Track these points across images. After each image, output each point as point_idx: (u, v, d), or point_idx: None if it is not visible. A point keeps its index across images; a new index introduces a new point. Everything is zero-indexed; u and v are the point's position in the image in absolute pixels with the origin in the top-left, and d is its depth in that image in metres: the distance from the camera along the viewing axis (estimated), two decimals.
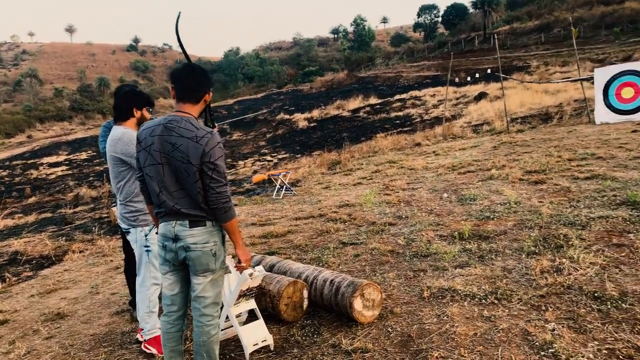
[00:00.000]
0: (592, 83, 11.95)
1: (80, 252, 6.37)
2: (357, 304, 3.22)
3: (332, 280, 3.45)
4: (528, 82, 24.67)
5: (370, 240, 5.13)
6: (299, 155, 22.70)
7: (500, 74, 13.67)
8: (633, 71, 10.65)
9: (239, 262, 2.60)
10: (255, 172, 19.05)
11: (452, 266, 4.07)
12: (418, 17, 78.31)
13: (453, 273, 3.92)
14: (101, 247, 6.53)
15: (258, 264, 4.10)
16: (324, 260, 4.65)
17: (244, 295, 3.10)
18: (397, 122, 28.16)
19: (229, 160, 26.13)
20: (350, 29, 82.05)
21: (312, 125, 33.64)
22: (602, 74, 11.14)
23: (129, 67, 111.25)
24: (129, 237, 3.38)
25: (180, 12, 3.65)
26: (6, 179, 28.53)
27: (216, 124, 3.53)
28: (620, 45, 37.20)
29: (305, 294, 3.53)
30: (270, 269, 3.96)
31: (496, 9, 55.61)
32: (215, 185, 2.37)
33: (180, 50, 3.31)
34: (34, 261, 6.30)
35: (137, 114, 3.30)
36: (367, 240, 5.15)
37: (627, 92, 10.56)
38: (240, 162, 24.99)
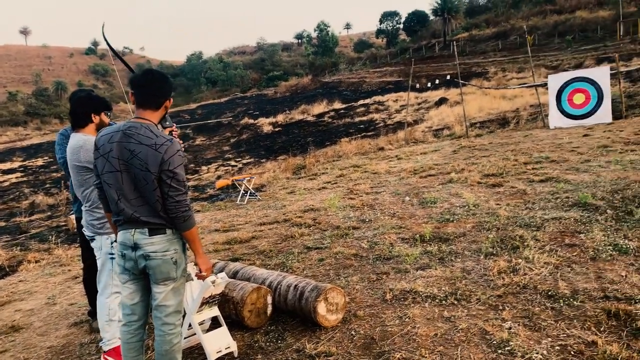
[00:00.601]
0: (547, 89, 12.41)
1: (37, 262, 6.17)
2: (321, 308, 3.25)
3: (296, 286, 3.47)
4: (486, 88, 25.37)
5: (334, 244, 5.17)
6: (263, 160, 22.62)
7: (459, 80, 14.02)
8: (584, 78, 11.13)
9: (200, 271, 2.58)
10: (219, 177, 18.87)
11: (414, 268, 4.15)
12: (380, 24, 79.32)
13: (414, 275, 4.00)
14: (58, 257, 6.34)
15: (221, 271, 4.08)
16: (288, 265, 4.66)
17: (206, 302, 3.08)
18: (362, 126, 28.44)
19: (192, 165, 25.75)
20: (314, 34, 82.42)
21: (276, 129, 33.57)
22: (555, 81, 11.60)
23: (88, 70, 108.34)
24: (93, 245, 3.30)
25: (104, 23, 3.60)
26: None
27: (174, 125, 3.48)
28: (572, 53, 38.74)
29: (269, 299, 3.53)
30: (234, 275, 3.94)
31: (455, 16, 57.01)
32: (174, 194, 2.36)
33: (117, 58, 3.27)
34: None
35: (96, 119, 3.23)
36: (331, 244, 5.19)
37: (579, 98, 11.02)
38: (204, 167, 24.68)
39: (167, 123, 3.64)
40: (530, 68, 34.43)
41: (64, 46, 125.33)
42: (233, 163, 24.67)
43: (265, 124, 35.87)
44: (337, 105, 37.61)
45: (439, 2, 56.23)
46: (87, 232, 3.26)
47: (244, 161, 24.54)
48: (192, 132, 38.74)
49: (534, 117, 15.42)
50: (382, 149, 14.15)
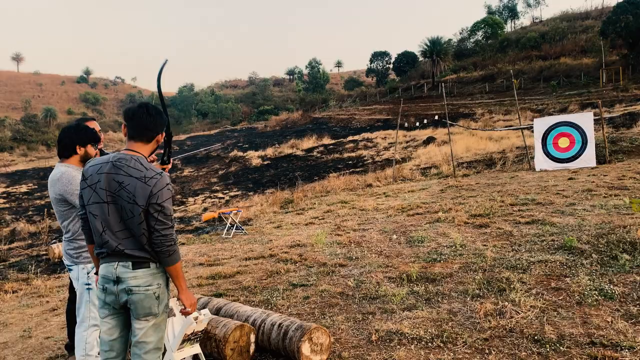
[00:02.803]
0: (532, 132, 12.66)
1: (14, 292, 5.99)
2: (305, 348, 3.18)
3: (280, 324, 3.40)
4: (473, 129, 25.81)
5: (320, 281, 5.11)
6: (251, 193, 22.55)
7: (447, 120, 14.27)
8: (569, 123, 11.39)
9: (184, 307, 2.52)
10: (205, 209, 18.74)
11: (400, 309, 4.10)
12: (371, 63, 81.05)
13: (401, 316, 3.95)
14: (37, 287, 6.17)
15: (204, 307, 4.00)
16: (272, 302, 4.58)
17: (188, 339, 3.00)
18: (350, 162, 28.62)
19: (179, 196, 25.61)
20: (305, 71, 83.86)
21: (265, 163, 33.65)
22: (541, 124, 11.85)
23: (79, 98, 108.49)
24: (71, 275, 3.24)
25: (167, 60, 3.53)
26: None
27: (171, 160, 3.49)
28: (557, 97, 39.71)
29: (253, 338, 3.45)
30: (217, 311, 3.86)
31: (444, 58, 58.45)
32: (161, 228, 2.33)
33: (158, 96, 3.23)
34: None
35: (80, 150, 3.20)
36: (317, 281, 5.12)
37: (564, 142, 11.25)
38: (191, 199, 24.54)
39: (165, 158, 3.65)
40: (516, 111, 35.07)
41: (56, 74, 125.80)
42: (220, 195, 24.56)
43: (254, 157, 35.96)
44: (327, 140, 37.93)
45: (428, 44, 57.71)
46: (65, 262, 3.21)
47: (232, 194, 24.45)
48: (181, 163, 38.69)
49: (520, 158, 15.65)
50: (370, 185, 14.21)
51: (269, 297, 4.76)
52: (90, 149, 3.28)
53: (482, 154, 20.43)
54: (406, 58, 71.87)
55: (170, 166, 3.45)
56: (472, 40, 68.37)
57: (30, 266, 7.61)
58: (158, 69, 3.04)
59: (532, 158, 12.39)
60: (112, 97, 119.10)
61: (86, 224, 2.47)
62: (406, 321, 3.81)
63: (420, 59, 65.64)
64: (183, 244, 8.40)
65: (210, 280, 5.63)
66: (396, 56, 74.48)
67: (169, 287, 2.54)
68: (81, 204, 2.46)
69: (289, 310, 4.35)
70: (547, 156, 11.52)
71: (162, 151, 3.70)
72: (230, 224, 8.70)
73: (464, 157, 20.50)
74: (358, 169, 24.25)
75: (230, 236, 8.46)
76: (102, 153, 3.91)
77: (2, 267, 8.48)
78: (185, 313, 2.57)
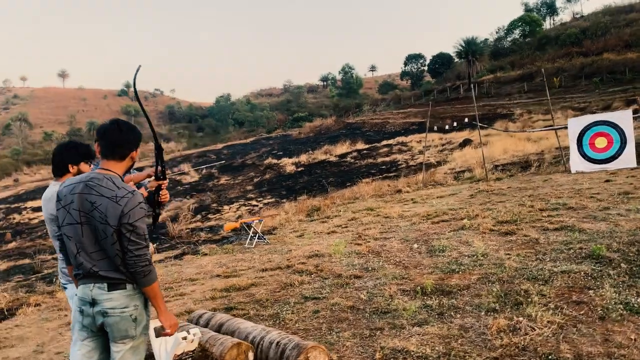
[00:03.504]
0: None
1: (36, 305, 6.12)
2: None
3: (278, 342, 3.29)
4: (504, 131, 25.12)
5: (333, 294, 4.97)
6: (284, 200, 22.59)
7: (477, 122, 13.86)
8: (605, 121, 10.84)
9: (163, 328, 2.45)
10: (239, 217, 18.85)
11: (410, 324, 3.92)
12: (405, 66, 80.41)
13: (410, 332, 3.77)
14: (59, 300, 6.28)
15: (208, 323, 3.94)
16: (282, 317, 4.48)
17: (179, 359, 2.93)
18: (383, 167, 28.31)
19: (215, 205, 25.95)
20: (339, 76, 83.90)
21: (299, 169, 33.70)
22: (576, 124, 11.33)
23: (120, 111, 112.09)
24: (66, 293, 3.23)
25: (140, 66, 3.60)
26: None
27: (167, 177, 3.45)
28: (600, 95, 38.21)
29: (251, 356, 3.35)
30: (219, 327, 3.79)
31: (480, 58, 57.22)
32: (134, 248, 2.27)
33: (137, 102, 3.27)
34: None
35: (73, 169, 3.19)
36: (329, 294, 4.99)
37: (601, 142, 10.71)
38: (226, 207, 24.81)
39: (147, 181, 3.61)
40: (553, 110, 34.02)
41: (99, 88, 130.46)
42: (254, 203, 24.73)
43: (288, 164, 36.08)
44: (360, 145, 37.69)
45: (463, 45, 56.67)
46: (61, 280, 3.20)
47: (265, 201, 24.57)
48: (218, 171, 39.24)
49: (558, 159, 15.05)
50: (399, 191, 13.95)
51: (278, 310, 4.66)
52: (84, 167, 3.26)
53: (519, 156, 19.80)
54: (441, 59, 70.92)
55: (166, 182, 3.41)
56: (509, 39, 66.78)
57: (56, 278, 7.79)
58: (134, 74, 3.04)
59: (568, 160, 11.86)
60: (152, 108, 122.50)
61: (63, 245, 2.44)
62: (414, 338, 3.63)
63: (456, 60, 64.55)
64: (206, 254, 8.43)
65: (224, 292, 5.58)
66: (431, 58, 73.61)
67: (149, 308, 2.47)
68: (57, 224, 2.43)
69: (297, 325, 4.24)
70: (584, 157, 10.99)
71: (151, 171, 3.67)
72: (253, 233, 8.67)
73: (500, 160, 19.94)
74: (391, 174, 23.95)
75: (253, 246, 8.42)
76: None
77: (34, 279, 8.73)
78: (165, 334, 2.50)
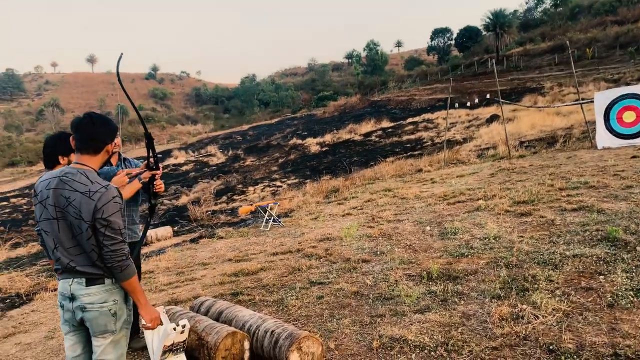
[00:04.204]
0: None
1: (54, 290, 6.28)
2: (294, 357, 3.03)
3: (272, 331, 3.27)
4: (527, 107, 24.36)
5: (339, 279, 4.93)
6: (307, 181, 22.59)
7: (499, 98, 13.45)
8: (634, 94, 10.34)
9: (144, 322, 2.44)
10: (262, 198, 18.93)
11: (412, 311, 3.85)
12: (431, 41, 78.59)
13: (411, 319, 3.70)
14: None
15: (208, 310, 3.95)
16: (286, 302, 4.47)
17: (169, 350, 2.94)
18: (408, 145, 27.92)
19: (240, 185, 26.12)
20: (364, 53, 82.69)
21: (323, 149, 33.57)
22: (602, 98, 10.86)
23: (148, 94, 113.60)
24: None
25: (122, 54, 3.59)
26: (24, 207, 28.92)
27: (160, 167, 3.43)
28: (635, 65, 36.62)
29: (247, 345, 3.34)
30: (219, 315, 3.80)
31: (508, 31, 55.38)
32: (109, 243, 2.25)
33: (121, 88, 3.27)
34: (7, 300, 6.23)
35: (64, 160, 3.19)
36: (336, 279, 4.95)
37: (629, 116, 10.24)
38: (251, 188, 24.94)
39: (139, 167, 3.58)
40: (585, 82, 32.65)
41: (127, 72, 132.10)
42: (278, 184, 24.79)
43: (312, 144, 35.97)
44: (385, 124, 37.27)
45: (491, 17, 54.93)
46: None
47: (289, 182, 24.60)
48: (243, 153, 39.48)
49: (585, 135, 14.53)
50: (420, 170, 13.74)
51: (283, 296, 4.65)
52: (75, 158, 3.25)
53: (547, 131, 19.19)
54: (469, 33, 69.00)
55: (160, 172, 3.39)
56: (539, 9, 64.40)
57: None
58: (117, 62, 3.02)
59: (595, 135, 11.41)
60: (179, 91, 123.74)
61: (42, 240, 2.44)
62: (414, 326, 3.56)
63: (484, 33, 62.72)
64: (221, 237, 8.49)
65: (233, 277, 5.60)
66: (458, 32, 71.71)
67: (130, 302, 2.46)
68: (35, 220, 2.43)
69: (299, 311, 4.21)
70: (611, 132, 10.55)
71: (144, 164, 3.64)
72: (268, 216, 8.68)
73: (527, 135, 19.38)
74: (416, 152, 23.61)
75: (268, 229, 8.44)
76: (119, 155, 3.92)
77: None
78: (146, 328, 2.50)
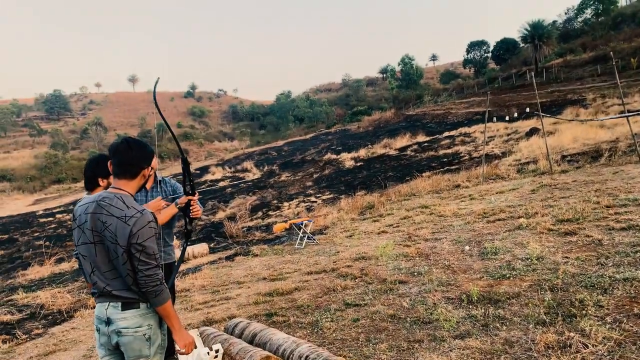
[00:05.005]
0: None
1: (93, 307, 6.40)
2: None
3: (307, 356, 3.20)
4: (569, 120, 23.65)
5: (375, 301, 4.82)
6: (342, 196, 22.50)
7: (539, 111, 13.10)
8: None
9: (179, 347, 2.42)
10: (297, 214, 18.95)
11: (452, 336, 3.71)
12: (467, 54, 77.69)
13: (450, 345, 3.56)
14: None
15: (242, 332, 3.92)
16: (320, 325, 4.39)
17: None
18: (445, 160, 27.50)
19: (275, 201, 26.25)
20: (398, 68, 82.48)
21: (358, 164, 33.46)
22: None
23: (186, 112, 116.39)
24: None
25: (159, 78, 3.67)
26: (69, 223, 29.93)
27: (196, 192, 3.45)
28: None
29: None
30: (253, 338, 3.75)
31: (547, 42, 54.14)
32: (144, 268, 2.24)
33: (162, 116, 3.33)
34: (50, 316, 6.39)
35: (103, 183, 3.23)
36: (372, 300, 4.84)
37: None
38: (286, 204, 25.02)
39: (179, 192, 3.61)
40: (631, 94, 31.46)
41: (166, 91, 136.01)
42: (313, 199, 24.79)
43: (347, 159, 35.92)
44: (421, 138, 36.90)
45: (529, 29, 53.90)
46: None
47: (324, 197, 24.56)
48: (278, 168, 39.80)
49: (632, 149, 13.94)
50: (458, 186, 13.47)
51: (318, 318, 4.57)
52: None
53: (590, 145, 18.54)
54: (506, 45, 67.89)
55: (197, 197, 3.41)
56: (579, 19, 62.84)
57: None
58: (153, 87, 3.06)
59: None
60: (216, 108, 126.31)
61: (80, 264, 2.47)
62: (454, 352, 3.42)
63: (521, 45, 61.57)
64: (256, 255, 8.50)
65: (268, 297, 5.57)
66: (495, 44, 70.68)
67: (165, 326, 2.45)
68: (74, 244, 2.46)
69: (334, 334, 4.13)
70: None
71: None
72: (302, 234, 8.64)
73: (569, 149, 18.76)
74: (453, 167, 23.21)
75: (302, 247, 8.40)
76: (155, 177, 3.97)
77: None
78: (180, 354, 2.48)
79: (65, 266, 11.72)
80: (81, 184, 61.78)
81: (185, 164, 3.22)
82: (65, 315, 6.34)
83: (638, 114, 11.27)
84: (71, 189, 61.69)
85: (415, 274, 5.53)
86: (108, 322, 2.32)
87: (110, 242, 2.27)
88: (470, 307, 4.22)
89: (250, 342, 3.71)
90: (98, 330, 2.38)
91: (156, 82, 3.33)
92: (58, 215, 32.43)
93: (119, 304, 2.31)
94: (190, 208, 3.35)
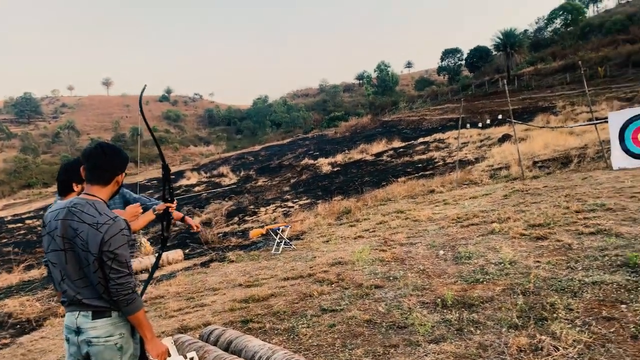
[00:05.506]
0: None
1: (63, 316, 6.24)
2: None
3: None
4: (540, 127, 24.23)
5: (351, 306, 4.83)
6: (319, 201, 22.50)
7: (511, 118, 13.37)
8: None
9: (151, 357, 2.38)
10: (274, 219, 18.87)
11: (427, 341, 3.74)
12: (442, 61, 78.92)
13: (425, 350, 3.59)
14: None
15: (217, 340, 3.88)
16: (296, 331, 4.38)
17: None
18: (420, 165, 27.79)
19: (252, 206, 26.07)
20: (374, 74, 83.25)
21: (335, 169, 33.54)
22: (617, 118, 10.73)
23: (161, 116, 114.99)
24: None
25: (145, 85, 3.61)
26: (38, 229, 29.16)
27: (174, 200, 3.39)
28: None
29: None
30: (228, 345, 3.72)
31: (519, 50, 55.39)
32: (116, 276, 2.20)
33: (145, 121, 3.28)
34: (18, 325, 6.21)
35: (77, 188, 3.16)
36: (348, 306, 4.85)
37: None
38: (262, 209, 24.89)
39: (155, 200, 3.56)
40: (599, 102, 32.38)
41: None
42: (290, 204, 24.72)
43: (324, 164, 35.97)
44: (396, 143, 37.26)
45: (501, 37, 55.06)
46: None
47: (301, 202, 24.52)
48: (255, 173, 39.60)
49: (600, 155, 14.34)
50: (432, 191, 13.62)
51: (294, 324, 4.56)
52: None
53: (560, 151, 19.00)
54: (479, 53, 69.24)
55: (175, 205, 3.36)
56: (549, 29, 64.49)
57: None
58: (139, 94, 3.03)
59: (610, 155, 11.25)
60: (192, 113, 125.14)
61: (50, 271, 2.41)
62: (429, 357, 3.45)
63: (494, 53, 62.85)
64: (232, 261, 8.43)
65: (244, 303, 5.53)
66: (468, 52, 71.99)
67: (137, 335, 2.40)
68: (44, 251, 2.40)
69: (310, 340, 4.12)
70: (626, 153, 10.38)
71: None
72: (279, 239, 8.61)
73: (540, 155, 19.18)
74: (428, 172, 23.47)
75: (279, 252, 8.37)
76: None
77: None
78: None
79: (34, 273, 11.42)
80: (52, 189, 60.39)
81: (166, 170, 3.18)
82: (34, 324, 6.18)
83: (605, 122, 11.59)
84: (42, 194, 60.15)
85: (391, 278, 5.57)
86: (78, 331, 2.27)
87: (81, 250, 2.22)
88: (445, 311, 4.27)
89: (226, 349, 3.68)
90: (67, 340, 2.32)
91: (143, 90, 3.29)
92: (27, 221, 31.59)
93: (90, 312, 2.26)
94: (170, 215, 3.30)
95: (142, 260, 9.15)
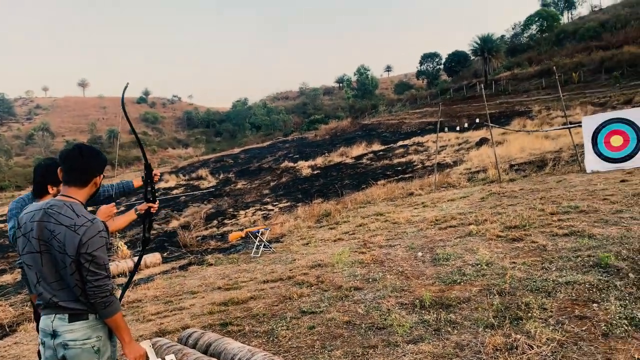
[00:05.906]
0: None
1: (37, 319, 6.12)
2: None
3: None
4: (516, 131, 24.70)
5: (331, 308, 4.85)
6: (299, 204, 22.48)
7: (488, 122, 13.59)
8: (621, 119, 10.49)
9: None
10: (254, 222, 18.79)
11: (405, 341, 3.78)
12: (421, 65, 79.75)
13: (404, 350, 3.63)
14: None
15: (196, 342, 3.86)
16: (276, 333, 4.38)
17: None
18: (399, 168, 27.99)
19: (231, 210, 25.91)
20: (354, 78, 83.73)
21: (315, 172, 33.55)
22: (590, 122, 11.00)
23: (139, 118, 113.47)
24: None
25: (128, 84, 3.59)
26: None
27: (157, 200, 3.37)
28: (621, 89, 37.32)
29: None
30: (207, 347, 3.70)
31: (496, 55, 56.35)
32: (93, 279, 2.18)
33: (126, 119, 3.27)
34: None
35: (53, 190, 3.11)
36: (327, 307, 4.87)
37: (616, 140, 10.36)
38: (242, 212, 24.75)
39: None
40: (573, 106, 33.07)
41: (118, 96, 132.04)
42: (270, 207, 24.64)
43: (304, 167, 35.94)
44: (376, 147, 37.44)
45: (479, 42, 55.94)
46: None
47: (281, 205, 24.46)
48: (234, 176, 39.36)
49: (574, 159, 14.67)
50: (411, 194, 13.75)
51: (274, 326, 4.56)
52: None
53: (537, 154, 19.37)
54: (457, 57, 70.20)
55: (157, 205, 3.34)
56: (525, 35, 65.75)
57: None
58: (121, 93, 3.02)
59: (584, 159, 11.52)
60: (170, 115, 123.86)
61: (25, 274, 2.38)
62: (407, 357, 3.50)
63: (472, 57, 63.79)
64: (211, 264, 8.38)
65: (223, 307, 5.50)
66: (447, 56, 72.91)
67: (115, 338, 2.38)
68: (18, 252, 2.37)
69: (290, 342, 4.13)
70: (599, 156, 10.65)
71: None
72: (259, 242, 8.59)
73: (517, 159, 19.53)
74: (407, 175, 23.67)
75: (258, 255, 8.35)
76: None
77: None
78: None
79: (7, 278, 11.16)
80: (25, 191, 58.98)
81: (148, 170, 3.17)
82: (8, 329, 6.04)
83: (579, 126, 11.87)
84: (14, 197, 58.79)
85: (370, 280, 5.61)
86: (54, 334, 2.24)
87: (57, 252, 2.19)
88: (423, 312, 4.32)
89: (205, 352, 3.66)
90: (43, 343, 2.29)
91: (125, 88, 3.28)
92: (0, 225, 30.84)
93: (66, 315, 2.24)
94: (151, 216, 3.27)
95: (119, 264, 9.03)
